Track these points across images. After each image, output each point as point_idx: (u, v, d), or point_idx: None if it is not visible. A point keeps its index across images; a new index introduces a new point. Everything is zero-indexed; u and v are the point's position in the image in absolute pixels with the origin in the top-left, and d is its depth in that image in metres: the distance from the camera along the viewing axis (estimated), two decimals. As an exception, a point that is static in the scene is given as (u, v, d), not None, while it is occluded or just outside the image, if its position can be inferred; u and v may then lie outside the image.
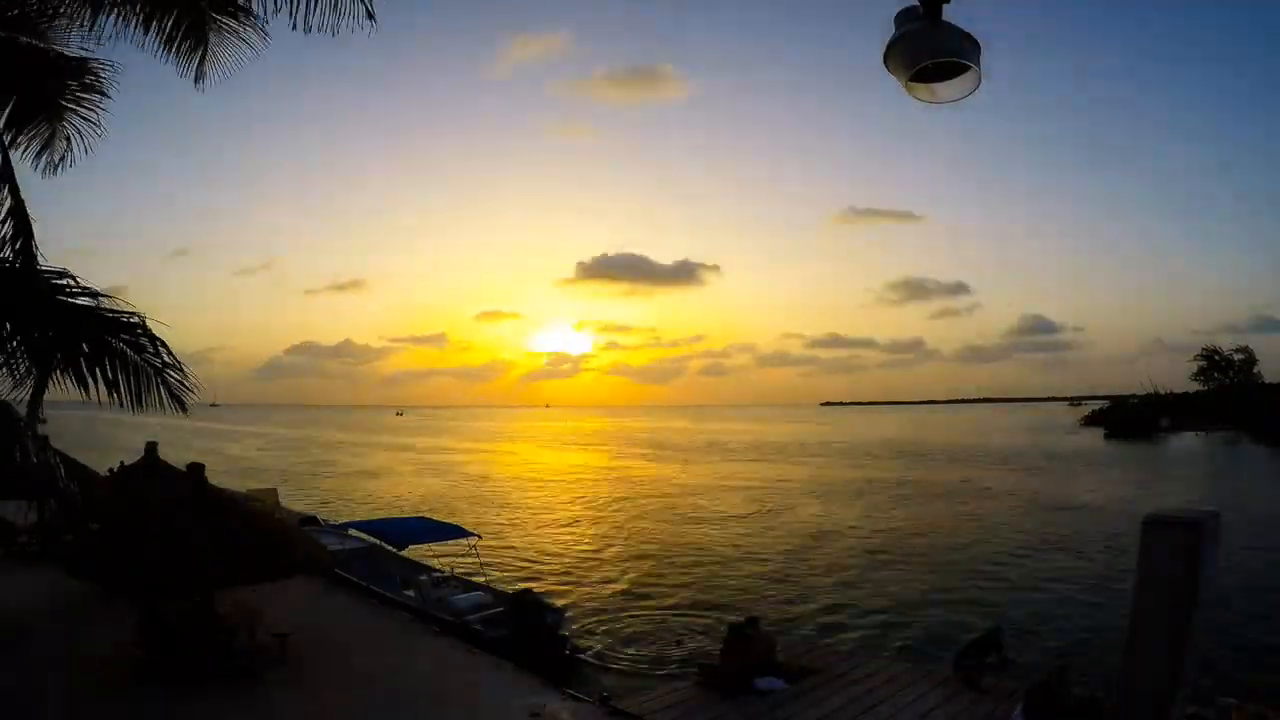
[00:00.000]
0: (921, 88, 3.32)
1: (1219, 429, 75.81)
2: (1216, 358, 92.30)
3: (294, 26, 7.47)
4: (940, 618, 15.72)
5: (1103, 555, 21.21)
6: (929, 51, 3.17)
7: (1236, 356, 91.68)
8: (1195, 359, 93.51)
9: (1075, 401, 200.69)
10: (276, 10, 7.54)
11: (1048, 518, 28.05)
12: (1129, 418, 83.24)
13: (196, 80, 8.30)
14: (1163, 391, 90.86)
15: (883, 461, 55.88)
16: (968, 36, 3.17)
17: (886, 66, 3.29)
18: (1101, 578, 18.57)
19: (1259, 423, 67.35)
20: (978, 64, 3.20)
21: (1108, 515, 27.93)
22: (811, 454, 63.56)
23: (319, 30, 7.46)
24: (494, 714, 8.98)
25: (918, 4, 3.20)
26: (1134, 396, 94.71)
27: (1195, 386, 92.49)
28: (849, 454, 62.84)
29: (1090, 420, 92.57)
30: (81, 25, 7.80)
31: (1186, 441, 67.69)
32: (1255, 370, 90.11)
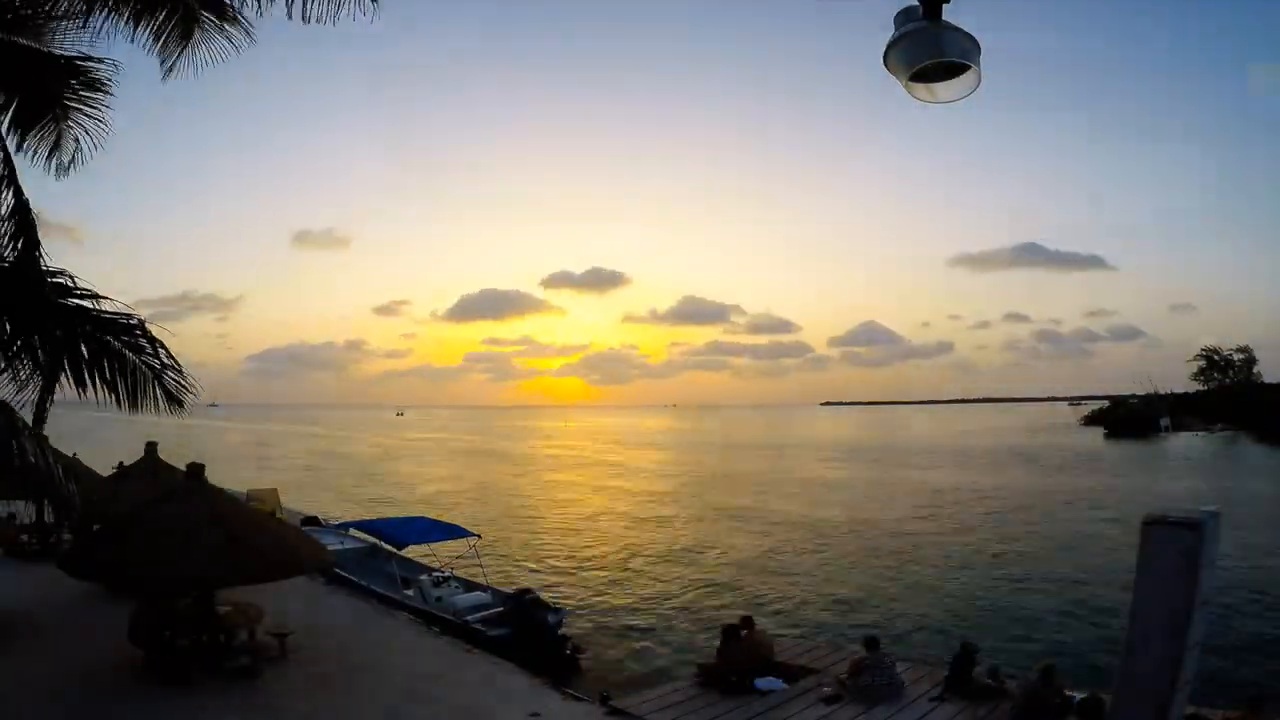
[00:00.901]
0: (921, 88, 3.31)
1: (1219, 429, 75.77)
2: (1216, 358, 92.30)
3: (290, 17, 7.48)
4: (940, 618, 15.74)
5: (1102, 554, 21.20)
6: (929, 52, 3.16)
7: (1236, 356, 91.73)
8: (1195, 359, 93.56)
9: (1075, 401, 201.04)
10: (271, 1, 7.55)
11: (1048, 516, 28.06)
12: (1129, 417, 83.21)
13: (169, 72, 8.31)
14: (1162, 391, 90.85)
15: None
16: (968, 36, 3.16)
17: (886, 66, 3.28)
18: (1100, 578, 18.56)
19: (1259, 423, 67.25)
20: (978, 64, 3.20)
21: (1106, 514, 27.94)
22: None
23: (318, 21, 7.47)
24: (494, 714, 8.98)
25: (918, 4, 3.20)
26: (1134, 396, 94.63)
27: (1195, 386, 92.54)
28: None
29: (1090, 420, 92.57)
30: (78, 25, 7.81)
31: (1186, 441, 67.66)
32: (1255, 370, 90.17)
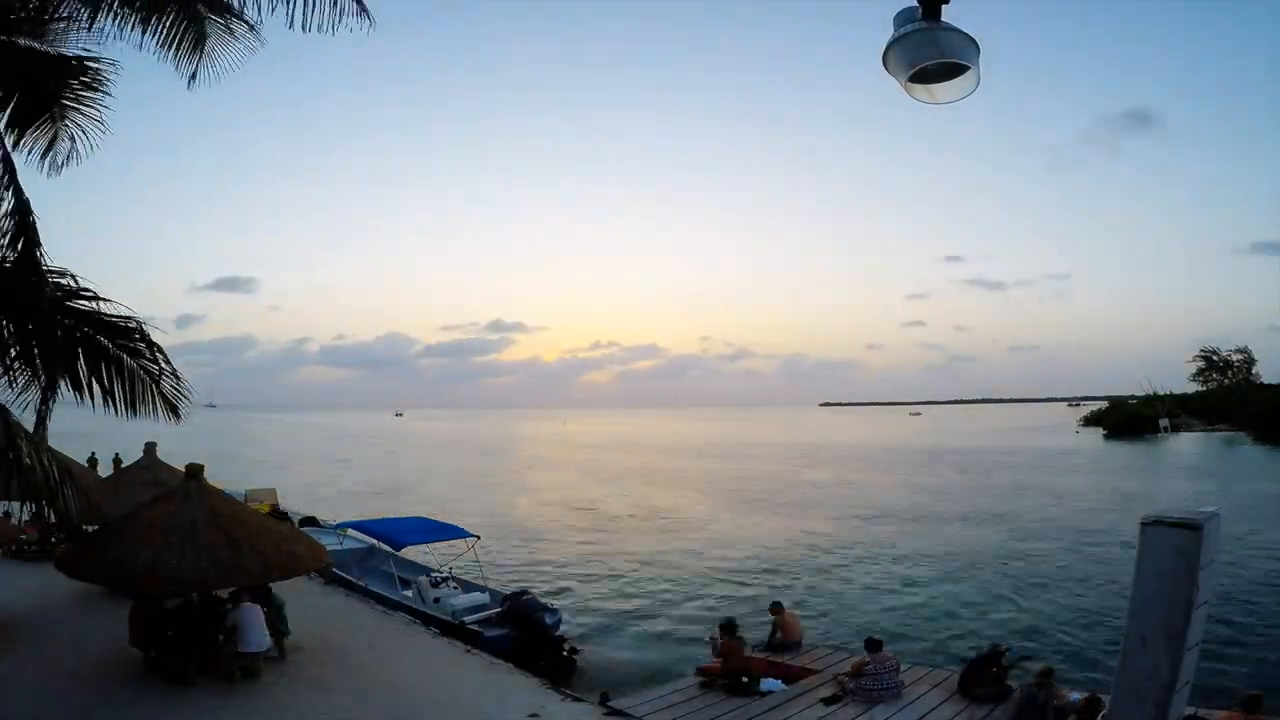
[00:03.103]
0: (920, 88, 3.31)
1: (1218, 429, 75.76)
2: (1215, 358, 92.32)
3: (290, 25, 7.50)
4: (940, 619, 15.73)
5: (1102, 555, 21.20)
6: (928, 52, 3.17)
7: (1235, 357, 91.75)
8: (1194, 359, 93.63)
9: (1074, 402, 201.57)
10: (272, 9, 7.56)
11: (1048, 515, 28.06)
12: (1128, 418, 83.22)
13: (191, 79, 8.29)
14: (1161, 392, 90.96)
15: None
16: (967, 37, 3.16)
17: (885, 67, 3.28)
18: (1100, 578, 18.57)
19: (1259, 423, 67.17)
20: (976, 65, 3.20)
21: (1105, 515, 27.94)
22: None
23: (317, 29, 7.50)
24: (493, 715, 8.96)
25: (917, 4, 3.20)
26: (1133, 397, 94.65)
27: (1194, 387, 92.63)
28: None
29: (1089, 421, 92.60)
30: (80, 27, 7.80)
31: (1185, 441, 67.65)
32: (1254, 370, 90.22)
